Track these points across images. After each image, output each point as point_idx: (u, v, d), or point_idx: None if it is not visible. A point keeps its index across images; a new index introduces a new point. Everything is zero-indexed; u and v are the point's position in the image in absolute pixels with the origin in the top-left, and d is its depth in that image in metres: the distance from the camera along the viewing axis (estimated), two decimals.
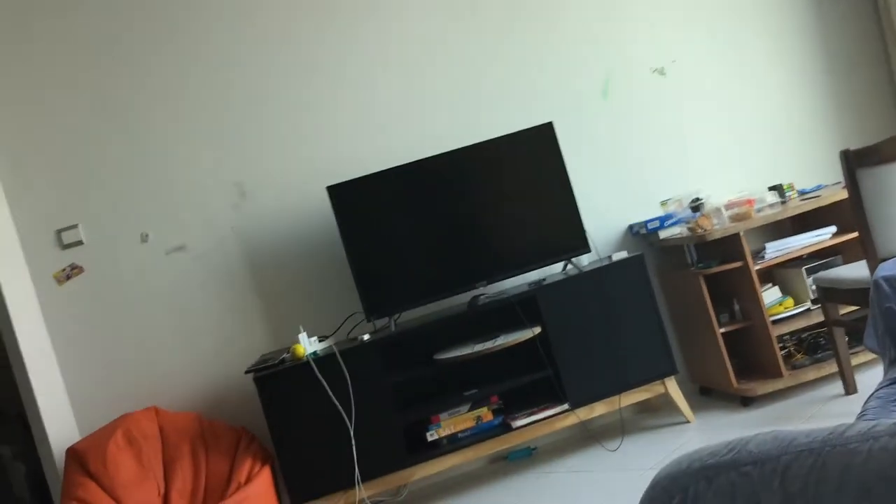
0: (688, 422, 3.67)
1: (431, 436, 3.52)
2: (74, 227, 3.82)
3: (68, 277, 3.82)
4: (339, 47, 3.96)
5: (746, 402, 3.68)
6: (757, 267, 3.62)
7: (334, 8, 3.95)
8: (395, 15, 3.99)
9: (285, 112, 3.93)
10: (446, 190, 3.73)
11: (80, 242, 3.82)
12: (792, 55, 4.25)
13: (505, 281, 3.80)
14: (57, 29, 3.82)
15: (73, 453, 3.46)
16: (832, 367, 3.53)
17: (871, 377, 3.41)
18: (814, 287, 3.57)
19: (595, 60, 4.09)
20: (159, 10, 3.87)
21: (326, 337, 3.70)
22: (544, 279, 3.77)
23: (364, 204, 3.67)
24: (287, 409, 3.44)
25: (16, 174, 3.81)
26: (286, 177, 3.91)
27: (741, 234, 3.59)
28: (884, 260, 2.86)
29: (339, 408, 3.40)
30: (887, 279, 2.39)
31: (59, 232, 3.82)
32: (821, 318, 3.53)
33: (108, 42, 3.84)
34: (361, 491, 3.41)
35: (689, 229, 3.73)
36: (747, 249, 3.59)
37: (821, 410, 3.37)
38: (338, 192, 3.63)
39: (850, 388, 3.41)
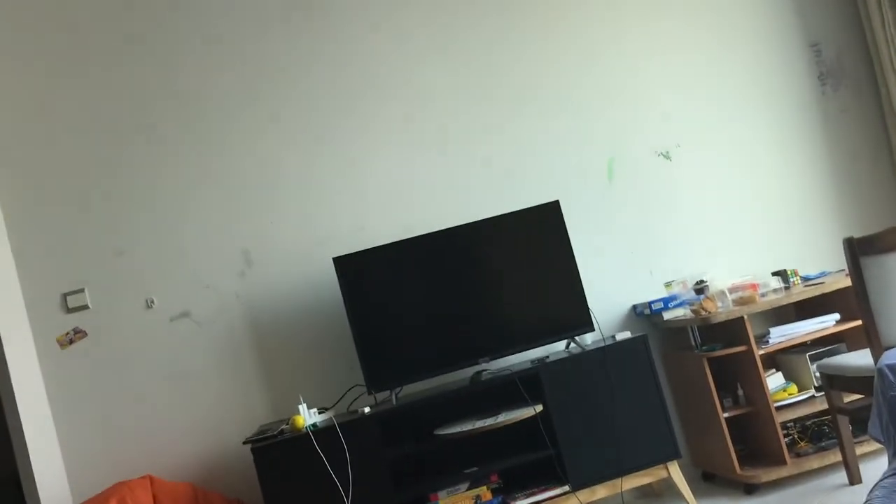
0: None
1: None
2: (81, 291, 3.84)
3: (71, 341, 3.82)
4: (350, 121, 4.03)
5: (750, 489, 3.62)
6: (761, 352, 3.61)
7: (344, 82, 4.04)
8: (405, 92, 4.07)
9: (294, 182, 3.98)
10: (452, 265, 3.75)
11: (85, 307, 3.83)
12: (796, 142, 4.31)
13: (508, 357, 3.79)
14: (68, 95, 3.91)
15: None
16: (836, 456, 3.49)
17: (875, 467, 3.37)
18: (818, 374, 3.55)
19: (601, 143, 4.16)
20: (169, 78, 3.96)
21: (327, 409, 3.68)
22: (547, 357, 3.76)
23: (370, 276, 3.69)
24: (284, 481, 3.39)
25: (24, 237, 3.84)
26: (293, 247, 3.94)
27: (745, 317, 3.59)
28: (888, 348, 2.86)
29: (337, 482, 3.36)
30: (892, 367, 2.38)
31: (64, 295, 3.84)
32: (825, 406, 3.50)
33: (118, 106, 3.92)
34: None
35: (693, 311, 3.74)
36: (751, 334, 3.59)
37: (825, 500, 3.31)
38: (344, 264, 3.65)
39: (854, 478, 3.36)
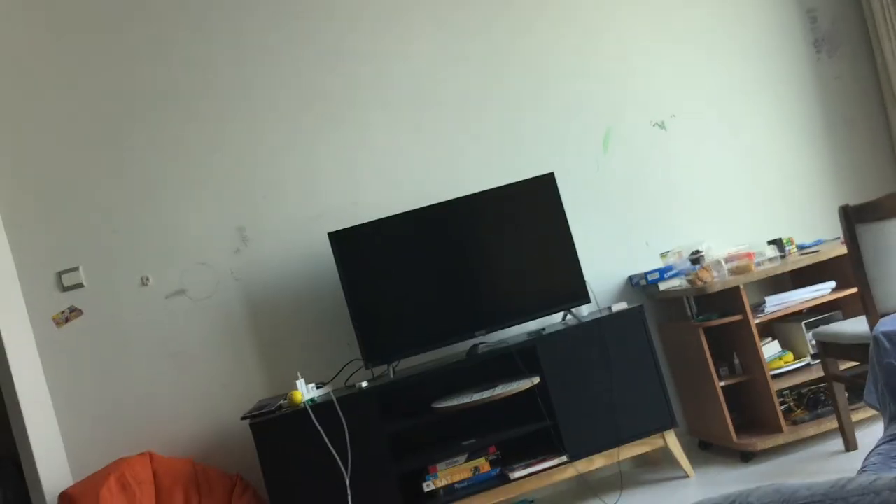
0: (687, 476, 3.63)
1: (428, 486, 3.49)
2: (75, 269, 3.83)
3: (67, 320, 3.82)
4: (342, 94, 4.00)
5: (746, 457, 3.65)
6: (757, 321, 3.62)
7: (338, 54, 4.01)
8: (399, 64, 4.05)
9: (288, 158, 3.96)
10: (448, 238, 3.74)
11: (80, 285, 3.82)
12: (791, 112, 4.30)
13: (504, 330, 3.80)
14: (62, 78, 3.87)
15: (65, 498, 3.41)
16: (832, 423, 3.51)
17: (871, 434, 3.39)
18: (813, 342, 3.56)
19: (596, 114, 4.14)
20: (163, 61, 3.92)
21: (324, 384, 3.69)
22: (544, 329, 3.76)
23: (365, 251, 3.68)
24: (283, 456, 3.41)
25: (18, 216, 3.83)
26: (288, 222, 3.93)
27: (741, 287, 3.59)
28: (883, 315, 2.87)
29: (336, 456, 3.38)
30: (887, 335, 2.39)
31: (59, 274, 3.83)
32: (821, 374, 3.52)
33: (112, 89, 3.89)
34: None
35: (689, 281, 3.74)
36: (747, 303, 3.60)
37: (821, 467, 3.34)
38: (339, 239, 3.64)
39: (850, 445, 3.38)
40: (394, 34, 4.05)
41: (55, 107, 3.87)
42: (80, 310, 3.83)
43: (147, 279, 3.86)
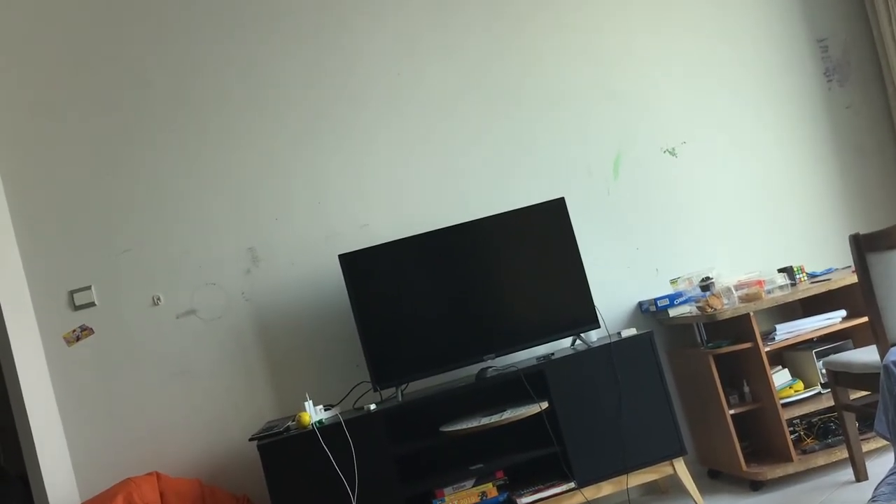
0: None
1: None
2: (87, 288, 3.85)
3: (78, 339, 3.84)
4: (352, 117, 4.03)
5: (756, 486, 3.62)
6: (767, 348, 3.61)
7: (349, 79, 4.04)
8: (409, 89, 4.07)
9: (300, 180, 3.99)
10: (458, 261, 3.75)
11: (92, 304, 3.85)
12: (802, 140, 4.30)
13: (513, 354, 3.80)
14: (75, 93, 3.92)
15: None
16: (843, 453, 3.49)
17: (882, 464, 3.37)
18: (824, 370, 3.55)
19: (607, 140, 4.16)
20: (177, 76, 3.96)
21: (333, 405, 3.69)
22: (553, 354, 3.76)
23: (375, 273, 3.69)
24: (290, 478, 3.40)
25: (32, 234, 3.86)
26: (299, 244, 3.95)
27: (751, 314, 3.58)
28: (894, 345, 2.86)
29: (343, 478, 3.37)
30: None
31: (71, 293, 3.85)
32: (831, 403, 3.50)
33: (124, 105, 3.93)
34: None
35: (699, 308, 3.73)
36: (757, 330, 3.59)
37: (831, 497, 3.31)
38: (350, 261, 3.66)
39: (860, 475, 3.36)
40: (405, 59, 4.08)
41: (68, 127, 3.91)
42: (91, 328, 3.84)
43: (158, 299, 3.88)
